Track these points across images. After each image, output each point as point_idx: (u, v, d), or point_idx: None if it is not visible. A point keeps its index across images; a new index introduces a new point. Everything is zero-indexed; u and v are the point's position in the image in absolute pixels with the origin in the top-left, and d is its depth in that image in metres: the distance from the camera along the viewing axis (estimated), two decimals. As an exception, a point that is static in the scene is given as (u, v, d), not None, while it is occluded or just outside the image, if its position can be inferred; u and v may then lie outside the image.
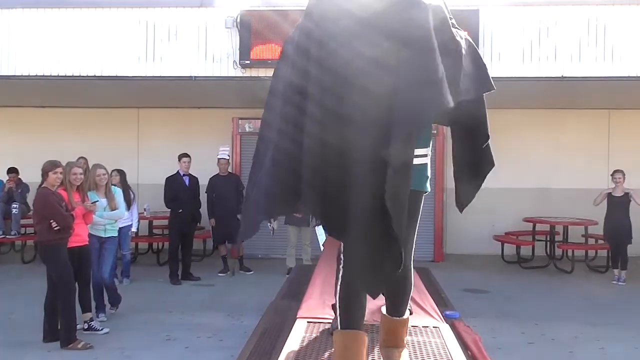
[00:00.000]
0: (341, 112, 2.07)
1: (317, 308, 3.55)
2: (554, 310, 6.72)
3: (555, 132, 10.37)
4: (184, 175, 8.21)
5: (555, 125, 10.38)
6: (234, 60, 7.61)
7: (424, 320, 3.24)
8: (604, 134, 10.40)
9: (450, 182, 10.85)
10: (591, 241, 9.47)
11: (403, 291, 2.54)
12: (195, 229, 8.64)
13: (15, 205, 9.11)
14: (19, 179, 9.37)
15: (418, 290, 3.70)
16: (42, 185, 5.35)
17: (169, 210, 8.29)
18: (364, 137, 2.06)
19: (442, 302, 4.90)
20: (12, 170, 9.41)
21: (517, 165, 10.23)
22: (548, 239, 9.78)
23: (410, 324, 2.73)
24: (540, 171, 10.29)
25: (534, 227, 9.70)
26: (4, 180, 9.55)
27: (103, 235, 6.14)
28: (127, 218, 7.74)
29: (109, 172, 6.38)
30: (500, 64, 7.44)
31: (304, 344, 2.94)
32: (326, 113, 2.07)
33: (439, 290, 5.24)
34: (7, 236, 9.34)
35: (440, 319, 3.36)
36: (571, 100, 9.56)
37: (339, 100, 2.07)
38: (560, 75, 7.48)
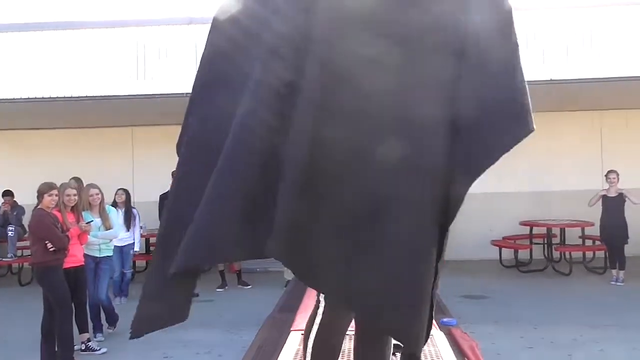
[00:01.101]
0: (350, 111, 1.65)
1: (312, 320, 3.54)
2: (553, 313, 6.71)
3: (548, 135, 10.39)
4: (178, 192, 8.19)
5: (547, 128, 10.40)
6: (226, 76, 7.65)
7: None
8: (596, 135, 10.46)
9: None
10: (588, 242, 9.50)
11: None
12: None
13: (11, 228, 9.10)
14: (14, 201, 9.38)
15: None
16: (38, 207, 5.38)
17: (164, 227, 8.28)
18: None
19: (438, 310, 4.92)
20: (7, 193, 9.43)
21: (511, 169, 10.25)
22: (545, 241, 9.80)
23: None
24: (535, 174, 10.32)
25: (530, 230, 9.72)
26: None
27: (98, 255, 6.14)
28: (129, 237, 7.76)
29: (102, 192, 6.38)
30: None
31: (298, 356, 2.93)
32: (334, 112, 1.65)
33: (436, 297, 5.28)
34: (4, 259, 9.33)
35: (435, 326, 3.35)
36: (561, 103, 9.62)
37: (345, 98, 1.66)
38: (549, 79, 7.53)
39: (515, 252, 9.51)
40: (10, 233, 9.09)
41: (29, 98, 8.05)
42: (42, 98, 8.03)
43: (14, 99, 8.04)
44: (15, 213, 9.27)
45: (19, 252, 9.47)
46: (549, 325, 6.09)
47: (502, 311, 6.86)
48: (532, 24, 7.55)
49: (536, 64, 7.52)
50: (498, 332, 5.87)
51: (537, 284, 8.42)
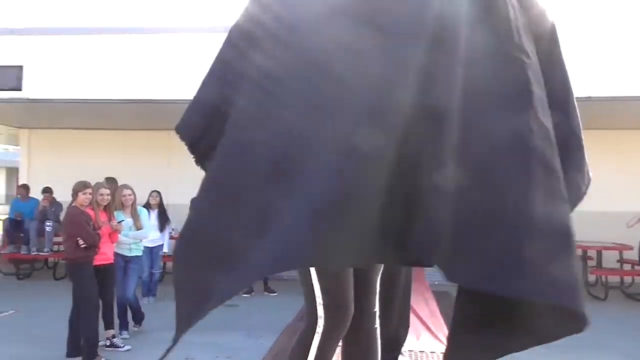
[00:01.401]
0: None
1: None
2: (585, 339, 6.34)
3: (599, 154, 10.18)
4: (208, 195, 8.32)
5: (596, 147, 10.19)
6: (260, 81, 7.75)
7: (429, 345, 3.20)
8: (637, 154, 10.15)
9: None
10: (627, 267, 9.18)
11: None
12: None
13: (48, 223, 9.39)
14: (53, 198, 9.67)
15: (431, 315, 3.65)
16: (72, 205, 5.55)
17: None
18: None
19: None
20: (47, 190, 9.73)
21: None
22: (580, 264, 9.53)
23: (416, 348, 2.70)
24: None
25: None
26: (39, 200, 9.89)
27: (128, 254, 6.28)
28: (160, 238, 7.92)
29: (135, 193, 6.53)
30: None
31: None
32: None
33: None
34: (40, 253, 9.63)
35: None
36: (599, 121, 9.37)
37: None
38: (587, 96, 7.36)
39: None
40: (47, 228, 9.37)
41: (71, 99, 8.32)
42: (84, 99, 8.29)
43: (56, 99, 8.33)
44: (53, 209, 9.56)
45: (55, 247, 9.76)
46: (580, 352, 5.88)
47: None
48: (587, 39, 7.38)
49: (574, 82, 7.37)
50: (525, 357, 5.70)
51: (569, 306, 8.16)
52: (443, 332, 3.53)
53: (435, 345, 3.26)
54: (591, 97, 7.39)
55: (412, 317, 3.06)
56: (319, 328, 2.23)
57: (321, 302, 2.23)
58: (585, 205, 8.17)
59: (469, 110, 1.47)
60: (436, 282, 8.40)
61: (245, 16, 1.73)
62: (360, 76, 1.48)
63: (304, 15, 1.59)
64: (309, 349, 2.22)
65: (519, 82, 1.52)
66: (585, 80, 7.36)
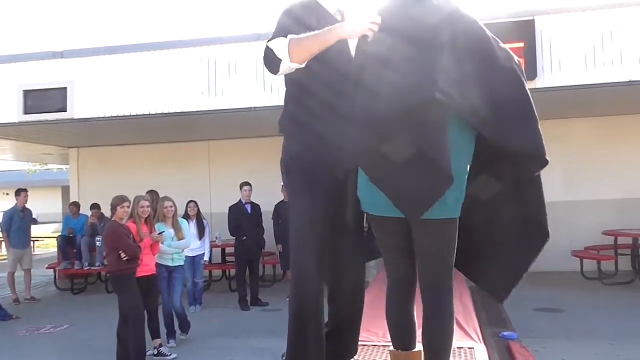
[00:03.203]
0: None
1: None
2: (634, 329, 6.27)
3: (633, 139, 9.80)
4: (245, 203, 8.47)
5: (631, 131, 9.82)
6: (290, 89, 7.81)
7: (460, 342, 3.16)
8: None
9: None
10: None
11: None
12: (261, 255, 8.84)
13: (98, 238, 9.70)
14: (101, 213, 10.00)
15: (464, 311, 3.61)
16: (112, 219, 5.75)
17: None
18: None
19: (501, 323, 4.77)
20: (95, 206, 10.08)
21: (593, 176, 9.77)
22: (632, 252, 9.19)
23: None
24: (620, 180, 9.73)
25: (615, 240, 9.14)
26: (88, 216, 10.26)
27: (171, 264, 6.44)
28: (200, 247, 8.10)
29: (175, 204, 6.70)
30: (562, 73, 7.18)
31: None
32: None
33: (500, 310, 5.09)
34: (92, 267, 9.98)
35: (479, 340, 3.26)
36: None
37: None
38: (628, 80, 7.10)
39: (599, 263, 8.98)
40: (97, 243, 9.70)
41: (112, 116, 8.60)
42: (124, 116, 8.54)
43: (99, 117, 8.62)
44: (102, 224, 9.88)
45: (105, 261, 10.08)
46: (628, 343, 5.70)
47: (578, 325, 6.50)
48: (608, 23, 7.17)
49: (614, 65, 7.13)
50: (571, 347, 5.57)
51: (621, 297, 7.89)
52: (474, 327, 3.49)
53: (463, 341, 3.23)
54: (632, 80, 7.14)
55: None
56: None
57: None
58: (635, 192, 7.99)
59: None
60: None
61: None
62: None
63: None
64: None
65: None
66: (626, 64, 7.13)
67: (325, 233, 2.43)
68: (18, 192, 9.45)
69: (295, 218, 2.47)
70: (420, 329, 2.33)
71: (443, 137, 2.03)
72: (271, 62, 2.35)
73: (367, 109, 2.12)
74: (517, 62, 2.26)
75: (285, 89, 2.63)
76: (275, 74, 2.39)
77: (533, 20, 7.22)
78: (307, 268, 2.42)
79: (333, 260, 2.56)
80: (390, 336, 2.51)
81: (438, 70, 2.03)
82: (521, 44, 7.22)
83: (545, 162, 2.20)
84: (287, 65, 2.31)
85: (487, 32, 2.23)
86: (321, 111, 2.42)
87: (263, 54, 2.38)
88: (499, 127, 2.12)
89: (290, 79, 2.51)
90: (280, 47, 2.30)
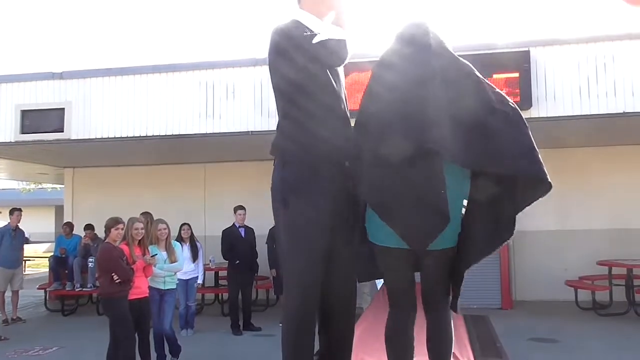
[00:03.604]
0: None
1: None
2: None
3: (628, 169, 9.87)
4: (239, 227, 8.45)
5: (626, 162, 9.89)
6: (288, 114, 7.85)
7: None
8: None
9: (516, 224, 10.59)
10: (676, 285, 8.78)
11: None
12: (254, 279, 8.78)
13: (91, 260, 9.64)
14: (95, 234, 9.96)
15: (458, 341, 3.58)
16: (105, 241, 5.73)
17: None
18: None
19: (495, 353, 4.71)
20: (89, 227, 10.04)
21: (587, 206, 9.81)
22: (626, 283, 9.16)
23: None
24: (615, 211, 9.77)
25: (609, 270, 9.13)
26: (81, 236, 10.20)
27: (162, 288, 6.40)
28: (193, 270, 8.05)
29: (169, 227, 6.67)
30: (556, 103, 7.28)
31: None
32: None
33: (494, 339, 5.04)
34: (84, 289, 9.89)
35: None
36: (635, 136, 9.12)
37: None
38: (622, 111, 7.19)
39: (593, 293, 8.95)
40: (90, 264, 9.63)
41: (109, 137, 8.62)
42: (121, 137, 8.57)
43: (96, 138, 8.64)
44: (95, 245, 9.82)
45: (97, 283, 9.99)
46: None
47: (573, 357, 6.46)
48: (602, 55, 7.29)
49: (607, 97, 7.22)
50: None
51: (616, 328, 7.85)
52: (468, 357, 3.46)
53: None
54: (626, 112, 7.23)
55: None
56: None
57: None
58: (629, 222, 8.01)
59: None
60: (474, 307, 8.24)
61: None
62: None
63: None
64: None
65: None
66: (620, 96, 7.23)
67: (322, 269, 2.55)
68: (12, 212, 9.41)
69: (295, 258, 2.57)
70: (426, 345, 2.65)
71: (440, 183, 2.31)
72: (337, 49, 2.55)
73: (373, 153, 2.41)
74: (512, 104, 2.47)
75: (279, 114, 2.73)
76: (346, 57, 2.60)
77: (528, 51, 7.33)
78: (308, 291, 2.55)
79: (327, 281, 2.62)
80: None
81: (430, 123, 2.32)
82: (516, 74, 7.33)
83: (549, 187, 2.42)
84: (348, 36, 2.58)
85: (480, 76, 2.49)
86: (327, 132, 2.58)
87: (325, 52, 2.54)
88: (503, 161, 2.37)
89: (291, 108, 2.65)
90: (330, 30, 2.57)
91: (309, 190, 2.52)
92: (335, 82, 2.65)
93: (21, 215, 9.42)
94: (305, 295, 2.53)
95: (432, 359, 2.64)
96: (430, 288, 2.60)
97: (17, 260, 9.57)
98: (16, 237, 9.40)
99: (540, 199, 2.49)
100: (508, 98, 2.50)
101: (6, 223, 9.54)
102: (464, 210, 2.53)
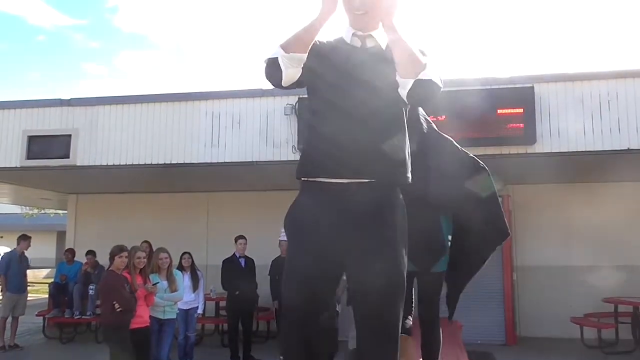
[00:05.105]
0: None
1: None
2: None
3: (634, 206, 9.83)
4: (240, 257, 8.40)
5: (633, 199, 9.85)
6: (293, 145, 7.89)
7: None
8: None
9: (520, 260, 10.54)
10: (683, 324, 8.65)
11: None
12: (254, 310, 8.69)
13: (91, 287, 9.58)
14: (96, 261, 9.91)
15: (462, 378, 3.53)
16: (109, 268, 5.70)
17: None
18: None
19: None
20: (90, 253, 9.99)
21: (592, 243, 9.73)
22: (633, 321, 9.03)
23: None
24: (620, 248, 9.70)
25: (615, 308, 9.02)
26: (82, 263, 10.15)
27: (162, 317, 6.33)
28: (194, 300, 7.96)
29: (171, 256, 6.65)
30: (560, 139, 7.30)
31: None
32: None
33: (499, 377, 4.97)
34: (83, 316, 9.79)
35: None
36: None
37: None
38: (627, 148, 7.20)
39: (599, 331, 8.82)
40: (90, 291, 9.56)
41: (114, 165, 8.65)
42: (125, 165, 8.59)
43: (100, 165, 8.67)
44: (96, 272, 9.76)
45: (97, 310, 9.89)
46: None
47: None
48: (606, 92, 7.34)
49: (612, 133, 7.25)
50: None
51: (622, 368, 7.72)
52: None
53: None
54: (631, 148, 7.24)
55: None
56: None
57: None
58: (635, 260, 7.95)
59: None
60: (478, 342, 8.13)
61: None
62: None
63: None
64: None
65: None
66: (624, 132, 7.25)
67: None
68: (24, 237, 9.46)
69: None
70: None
71: (438, 222, 3.21)
72: (270, 71, 2.21)
73: None
74: (488, 171, 3.25)
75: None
76: (280, 82, 2.23)
77: (532, 87, 7.39)
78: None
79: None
80: None
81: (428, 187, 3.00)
82: (520, 110, 7.37)
83: (507, 235, 3.31)
84: (286, 62, 2.16)
85: (462, 150, 3.29)
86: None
87: (264, 72, 2.26)
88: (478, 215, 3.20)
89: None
90: (272, 50, 2.21)
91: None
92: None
93: (30, 244, 9.52)
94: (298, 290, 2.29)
95: (424, 353, 3.30)
96: (426, 306, 3.30)
97: (23, 286, 9.56)
98: (22, 263, 9.43)
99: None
100: (482, 164, 3.29)
101: (11, 249, 9.55)
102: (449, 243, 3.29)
